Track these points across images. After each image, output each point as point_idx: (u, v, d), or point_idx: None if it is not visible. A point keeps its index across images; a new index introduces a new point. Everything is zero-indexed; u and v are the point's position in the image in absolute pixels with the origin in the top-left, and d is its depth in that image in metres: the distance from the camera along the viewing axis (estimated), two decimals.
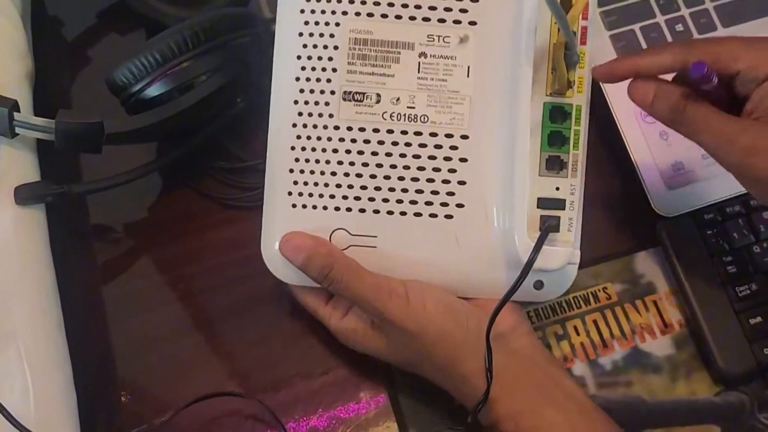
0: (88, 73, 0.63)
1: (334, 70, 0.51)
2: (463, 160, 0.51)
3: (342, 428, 0.54)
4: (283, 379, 0.55)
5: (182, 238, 0.59)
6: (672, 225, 0.57)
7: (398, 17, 0.50)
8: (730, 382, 0.55)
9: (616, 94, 0.58)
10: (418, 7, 0.50)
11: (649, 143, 0.58)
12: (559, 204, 0.50)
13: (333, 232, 0.51)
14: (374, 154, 0.51)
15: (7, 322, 0.50)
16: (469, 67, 0.51)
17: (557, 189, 0.50)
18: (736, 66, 0.45)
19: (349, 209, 0.51)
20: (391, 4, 0.50)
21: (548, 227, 0.48)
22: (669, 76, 0.48)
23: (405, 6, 0.50)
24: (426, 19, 0.50)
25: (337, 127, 0.51)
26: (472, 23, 0.50)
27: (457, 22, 0.50)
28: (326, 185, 0.51)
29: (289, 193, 0.51)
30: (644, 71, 0.47)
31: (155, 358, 0.55)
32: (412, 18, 0.50)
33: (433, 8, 0.50)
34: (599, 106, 0.57)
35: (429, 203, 0.51)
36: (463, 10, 0.50)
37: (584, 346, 0.56)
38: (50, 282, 0.52)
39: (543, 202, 0.50)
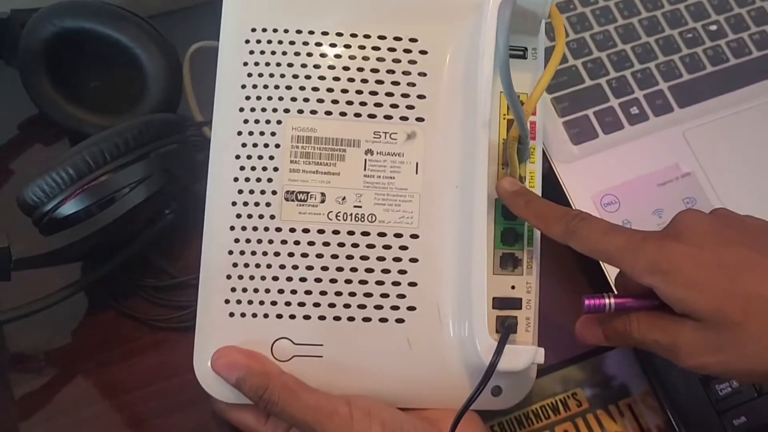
0: (9, 188, 0.60)
1: (276, 169, 0.48)
2: (413, 260, 0.48)
3: None
4: None
5: (107, 366, 0.54)
6: None
7: (343, 114, 0.49)
8: None
9: (572, 180, 0.57)
10: (363, 104, 0.49)
11: None
12: (516, 303, 0.48)
13: (275, 341, 0.47)
14: (319, 256, 0.48)
15: None
16: (417, 163, 0.49)
17: (512, 288, 0.48)
18: (620, 268, 0.44)
19: (292, 316, 0.47)
20: (335, 101, 0.49)
21: (509, 326, 0.46)
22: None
23: (350, 103, 0.49)
24: (372, 116, 0.49)
25: (279, 229, 0.48)
26: (420, 119, 0.49)
27: (404, 118, 0.49)
28: (267, 291, 0.47)
29: (227, 301, 0.47)
30: (530, 223, 0.48)
31: None
32: (358, 115, 0.49)
33: (378, 105, 0.49)
34: (556, 196, 0.56)
35: (378, 307, 0.48)
36: (410, 107, 0.49)
37: None
38: None
39: (498, 302, 0.48)
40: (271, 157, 0.48)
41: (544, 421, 0.53)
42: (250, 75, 0.49)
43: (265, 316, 0.47)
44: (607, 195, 0.57)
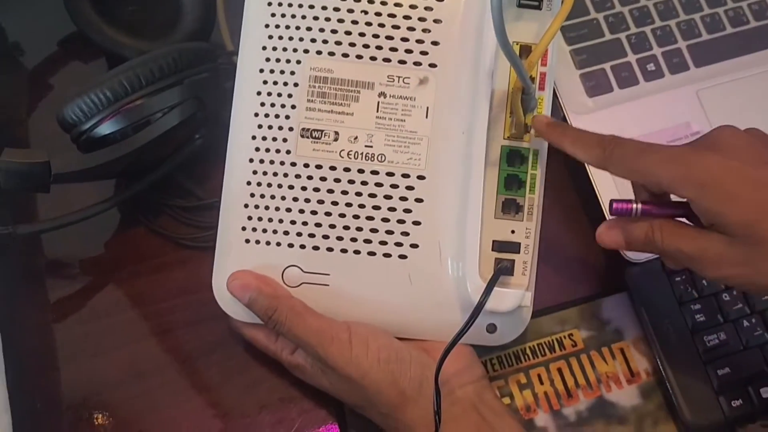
0: (47, 102, 0.62)
1: (293, 107, 0.51)
2: (419, 200, 0.50)
3: None
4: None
5: (136, 278, 0.58)
6: (640, 270, 0.57)
7: (359, 57, 0.51)
8: None
9: None
10: (379, 47, 0.51)
11: (619, 189, 0.58)
12: (514, 247, 0.50)
13: (286, 268, 0.51)
14: (330, 191, 0.51)
15: None
16: (428, 108, 0.51)
17: (512, 232, 0.50)
18: (658, 183, 0.45)
19: (302, 246, 0.51)
20: (352, 44, 0.51)
21: (501, 269, 0.48)
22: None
23: (366, 46, 0.51)
24: (387, 60, 0.51)
25: (294, 164, 0.51)
26: (433, 65, 0.51)
27: (417, 63, 0.51)
28: (281, 221, 0.51)
29: (243, 228, 0.51)
30: (567, 152, 0.48)
31: (103, 404, 0.54)
32: (373, 58, 0.51)
33: (394, 49, 0.51)
34: None
35: (383, 243, 0.51)
36: (424, 53, 0.51)
37: (548, 395, 0.55)
38: None
39: (498, 245, 0.50)
40: (290, 95, 0.51)
41: (539, 358, 0.56)
42: (273, 15, 0.51)
43: (278, 244, 0.51)
44: (641, 140, 0.57)
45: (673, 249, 0.45)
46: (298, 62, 0.51)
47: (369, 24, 0.51)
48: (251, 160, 0.51)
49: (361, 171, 0.51)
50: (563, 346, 0.56)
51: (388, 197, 0.51)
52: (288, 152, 0.51)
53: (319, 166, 0.51)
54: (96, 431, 0.53)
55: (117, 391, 0.54)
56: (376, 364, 0.48)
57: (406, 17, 0.51)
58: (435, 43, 0.51)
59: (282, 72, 0.51)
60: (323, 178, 0.51)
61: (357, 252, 0.51)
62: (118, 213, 0.60)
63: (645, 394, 0.55)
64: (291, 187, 0.51)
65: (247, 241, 0.51)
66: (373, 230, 0.50)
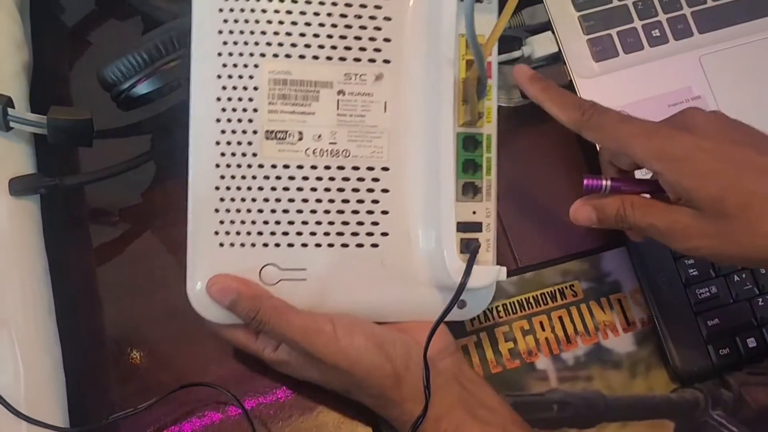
0: (87, 59, 0.66)
1: (255, 110, 0.52)
2: (385, 190, 0.53)
3: None
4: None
5: (172, 226, 0.60)
6: None
7: (315, 57, 0.52)
8: (686, 380, 0.58)
9: (590, 95, 0.58)
10: (333, 47, 0.52)
11: None
12: (477, 227, 0.53)
13: (263, 268, 0.52)
14: (299, 189, 0.52)
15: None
16: (385, 102, 0.53)
17: (474, 213, 0.53)
18: (632, 155, 0.49)
19: (277, 245, 0.52)
20: (307, 45, 0.52)
21: (474, 249, 0.51)
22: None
23: (321, 47, 0.52)
24: (342, 59, 0.53)
25: (261, 165, 0.52)
26: (386, 61, 0.53)
27: (372, 60, 0.53)
28: (253, 222, 0.52)
29: (216, 233, 0.52)
30: (545, 107, 0.51)
31: (144, 341, 0.56)
32: (329, 58, 0.53)
33: (348, 48, 0.53)
34: None
35: (355, 234, 0.53)
36: (377, 50, 0.53)
37: (549, 341, 0.59)
38: (42, 269, 0.55)
39: (462, 226, 0.53)
40: (251, 99, 0.52)
41: (542, 307, 0.60)
42: (225, 21, 0.52)
43: (253, 245, 0.52)
44: (620, 111, 0.58)
45: (645, 224, 0.49)
46: (256, 66, 0.52)
47: (322, 25, 0.52)
48: (217, 165, 0.52)
49: (327, 167, 0.53)
50: (564, 295, 0.60)
51: (355, 190, 0.53)
52: (254, 155, 0.52)
53: (286, 166, 0.52)
54: (134, 365, 0.58)
55: (153, 329, 0.58)
56: (363, 351, 0.50)
57: (357, 16, 0.53)
58: (387, 40, 0.53)
59: (240, 77, 0.52)
60: (291, 177, 0.52)
61: (331, 245, 0.53)
62: (154, 166, 0.63)
63: (639, 341, 0.60)
64: (260, 188, 0.52)
65: (221, 244, 0.52)
66: (345, 223, 0.53)
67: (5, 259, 0.54)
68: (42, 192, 0.56)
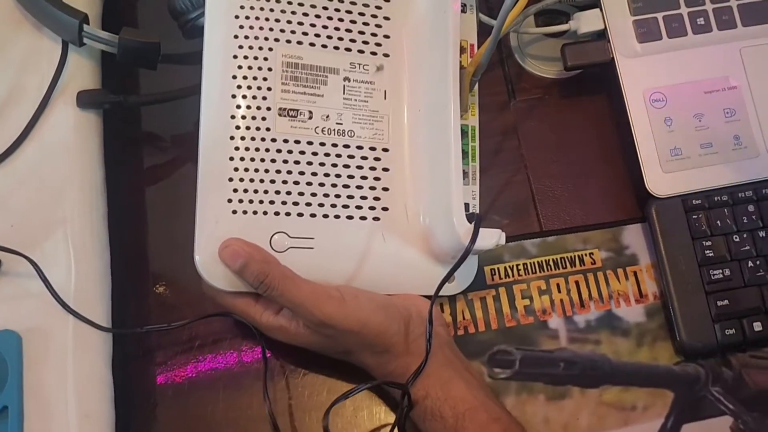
0: None
1: (269, 89, 0.56)
2: (385, 169, 0.58)
3: None
4: None
5: None
6: (662, 205, 0.62)
7: (324, 46, 0.57)
8: (690, 355, 0.61)
9: (630, 74, 0.63)
10: (340, 39, 0.58)
11: (653, 126, 0.62)
12: (466, 208, 0.59)
13: (273, 235, 0.55)
14: (309, 163, 0.56)
15: (59, 209, 0.57)
16: (385, 91, 0.59)
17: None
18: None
19: (287, 214, 0.55)
20: (317, 35, 0.57)
21: (478, 216, 0.56)
22: None
23: (330, 37, 0.57)
24: (347, 50, 0.58)
25: (274, 140, 0.55)
26: (386, 55, 0.59)
27: (373, 53, 0.58)
28: (266, 192, 0.55)
29: (230, 201, 0.54)
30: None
31: (184, 261, 0.55)
32: (336, 48, 0.58)
33: (353, 41, 0.58)
34: (614, 88, 0.64)
35: (359, 207, 0.57)
36: (378, 44, 0.59)
37: (563, 302, 0.63)
38: (100, 179, 0.60)
39: None
40: (265, 78, 0.56)
41: (561, 270, 0.63)
42: (242, 7, 0.56)
43: (265, 213, 0.55)
44: (656, 92, 0.62)
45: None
46: (270, 49, 0.56)
47: (330, 18, 0.58)
48: (232, 138, 0.55)
49: (334, 145, 0.57)
50: (583, 262, 0.64)
51: (359, 167, 0.57)
52: (268, 129, 0.55)
53: (297, 141, 0.56)
54: (178, 280, 0.62)
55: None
56: (371, 313, 0.54)
57: (361, 14, 0.59)
58: (387, 36, 0.59)
59: (256, 58, 0.56)
60: (302, 152, 0.56)
61: (337, 216, 0.56)
62: None
63: (649, 314, 0.62)
64: (273, 161, 0.55)
65: (234, 212, 0.54)
66: (350, 197, 0.56)
67: (68, 164, 0.58)
68: (106, 107, 0.61)
